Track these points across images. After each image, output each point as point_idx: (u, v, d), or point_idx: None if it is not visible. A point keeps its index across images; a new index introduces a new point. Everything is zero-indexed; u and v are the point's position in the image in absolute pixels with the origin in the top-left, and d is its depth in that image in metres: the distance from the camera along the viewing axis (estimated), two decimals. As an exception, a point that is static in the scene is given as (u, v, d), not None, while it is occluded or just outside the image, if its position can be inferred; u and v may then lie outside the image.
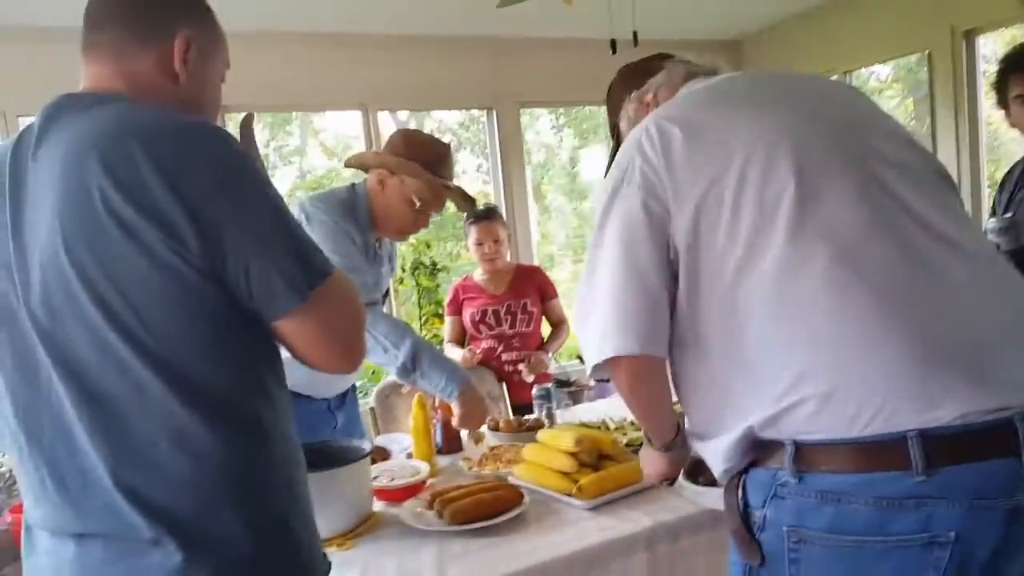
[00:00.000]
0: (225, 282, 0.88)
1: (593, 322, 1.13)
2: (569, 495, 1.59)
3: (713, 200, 1.07)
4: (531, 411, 2.46)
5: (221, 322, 0.89)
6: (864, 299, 1.00)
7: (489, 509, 1.53)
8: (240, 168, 0.90)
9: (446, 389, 1.82)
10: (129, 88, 0.96)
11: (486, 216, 2.94)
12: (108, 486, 0.88)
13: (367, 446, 1.61)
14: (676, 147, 1.11)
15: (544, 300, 3.01)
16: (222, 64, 1.08)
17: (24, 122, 2.84)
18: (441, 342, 3.20)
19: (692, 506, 1.54)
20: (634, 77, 1.41)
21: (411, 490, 1.70)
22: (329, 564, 1.03)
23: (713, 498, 1.45)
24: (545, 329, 3.07)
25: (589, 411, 2.30)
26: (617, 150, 1.47)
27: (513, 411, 2.75)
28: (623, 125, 1.43)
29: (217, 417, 0.89)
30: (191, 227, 0.84)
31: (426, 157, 1.91)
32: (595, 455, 1.68)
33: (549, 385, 2.22)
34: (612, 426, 2.02)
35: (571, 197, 6.12)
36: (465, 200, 2.00)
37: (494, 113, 3.75)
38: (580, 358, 3.41)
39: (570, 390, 2.28)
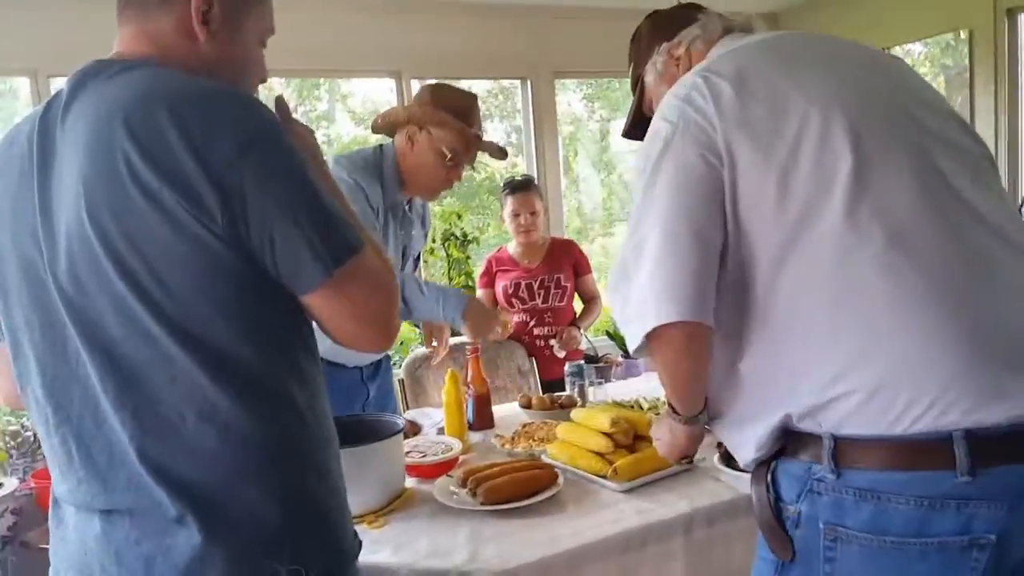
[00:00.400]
0: (251, 253, 0.85)
1: (640, 287, 1.05)
2: (604, 477, 1.56)
3: (763, 163, 1.01)
4: (561, 388, 2.43)
5: (248, 294, 0.87)
6: (920, 289, 0.94)
7: (523, 489, 1.51)
8: (265, 136, 0.86)
9: (447, 315, 1.80)
10: (156, 51, 0.94)
11: (523, 187, 2.89)
12: (133, 460, 0.86)
13: (400, 421, 1.59)
14: (727, 102, 1.04)
15: (578, 275, 2.96)
16: (259, 27, 1.02)
17: (55, 83, 2.84)
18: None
19: (728, 490, 1.51)
20: (665, 27, 1.32)
21: (443, 467, 1.68)
22: (360, 543, 1.01)
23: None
24: (577, 305, 3.02)
25: (621, 389, 2.26)
26: (640, 104, 1.40)
27: (543, 387, 2.72)
28: (649, 78, 1.35)
29: (246, 392, 0.87)
30: (214, 195, 0.81)
31: (455, 106, 1.88)
32: (631, 436, 1.65)
33: (581, 362, 2.18)
34: (646, 405, 1.98)
35: (599, 169, 6.03)
36: (498, 149, 1.96)
37: (528, 83, 3.68)
38: (609, 334, 3.36)
39: (598, 366, 2.24)
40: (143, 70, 0.89)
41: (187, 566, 0.85)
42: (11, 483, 2.43)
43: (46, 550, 2.25)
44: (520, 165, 4.03)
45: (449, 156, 1.88)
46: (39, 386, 0.93)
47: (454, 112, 1.87)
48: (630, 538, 1.39)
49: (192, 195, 0.81)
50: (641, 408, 2.00)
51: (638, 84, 1.40)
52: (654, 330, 1.03)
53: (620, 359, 3.25)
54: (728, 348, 1.08)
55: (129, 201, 0.81)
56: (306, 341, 0.96)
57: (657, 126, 1.11)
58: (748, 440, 1.08)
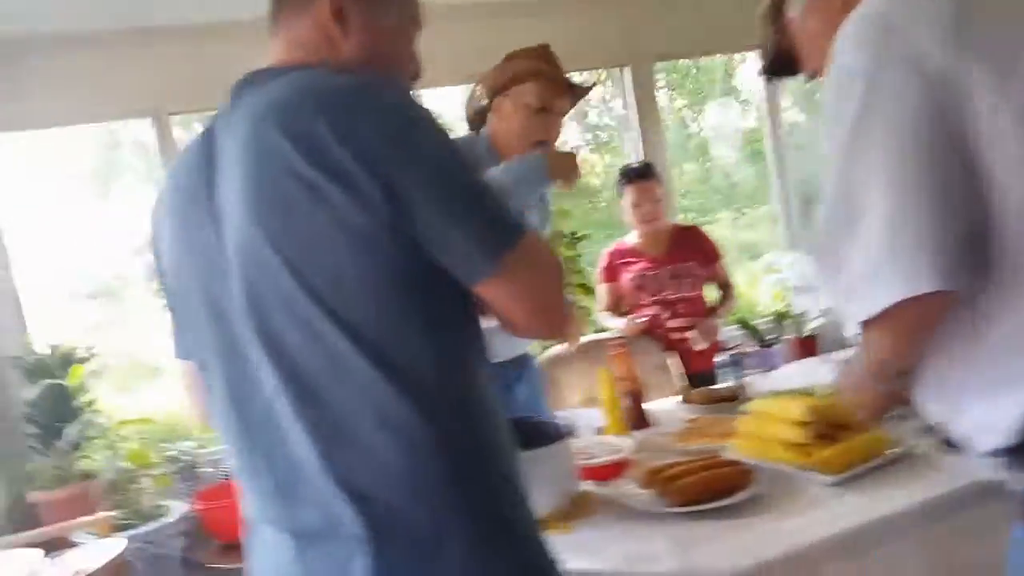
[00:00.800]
0: (417, 245, 0.81)
1: (866, 254, 0.89)
2: (812, 470, 1.39)
3: (1000, 90, 0.85)
4: (708, 381, 2.27)
5: (419, 290, 0.82)
6: None
7: (717, 488, 1.37)
8: (416, 124, 0.83)
9: (535, 175, 1.67)
10: (304, 56, 0.95)
11: (642, 174, 2.75)
12: (316, 472, 0.82)
13: (564, 423, 1.47)
14: (943, 16, 0.88)
15: (708, 262, 2.79)
16: (403, 21, 1.01)
17: (176, 120, 2.88)
18: (589, 314, 3.03)
19: (956, 478, 1.31)
20: None
21: (616, 468, 1.55)
22: (554, 560, 0.91)
23: (978, 468, 1.21)
24: (707, 294, 2.84)
25: (783, 380, 2.06)
26: (779, 36, 1.21)
27: (689, 382, 2.55)
28: (795, 9, 1.15)
29: (423, 396, 0.81)
30: (372, 184, 0.78)
31: (527, 56, 1.80)
32: (829, 424, 1.47)
33: (737, 351, 2.02)
34: (821, 394, 1.79)
35: (686, 157, 5.80)
36: (583, 88, 1.87)
37: (627, 71, 3.53)
38: (743, 323, 3.15)
39: (733, 356, 2.09)
40: (293, 73, 0.89)
41: None
42: (180, 507, 2.45)
43: (216, 570, 2.25)
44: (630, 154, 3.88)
45: (537, 103, 1.77)
46: (225, 400, 0.90)
47: (527, 57, 1.80)
48: (857, 537, 1.22)
49: (351, 187, 0.78)
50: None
51: (775, 16, 1.21)
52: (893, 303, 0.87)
53: (755, 347, 3.04)
54: (965, 314, 0.91)
55: (291, 200, 0.79)
56: (478, 339, 0.90)
57: (848, 61, 0.93)
58: (996, 421, 0.91)
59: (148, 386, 3.59)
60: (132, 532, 2.28)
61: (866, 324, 0.92)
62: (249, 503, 0.92)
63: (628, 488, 1.46)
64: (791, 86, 3.92)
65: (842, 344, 2.87)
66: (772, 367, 2.52)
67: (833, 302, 0.98)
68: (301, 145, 0.78)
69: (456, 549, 0.81)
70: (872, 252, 0.88)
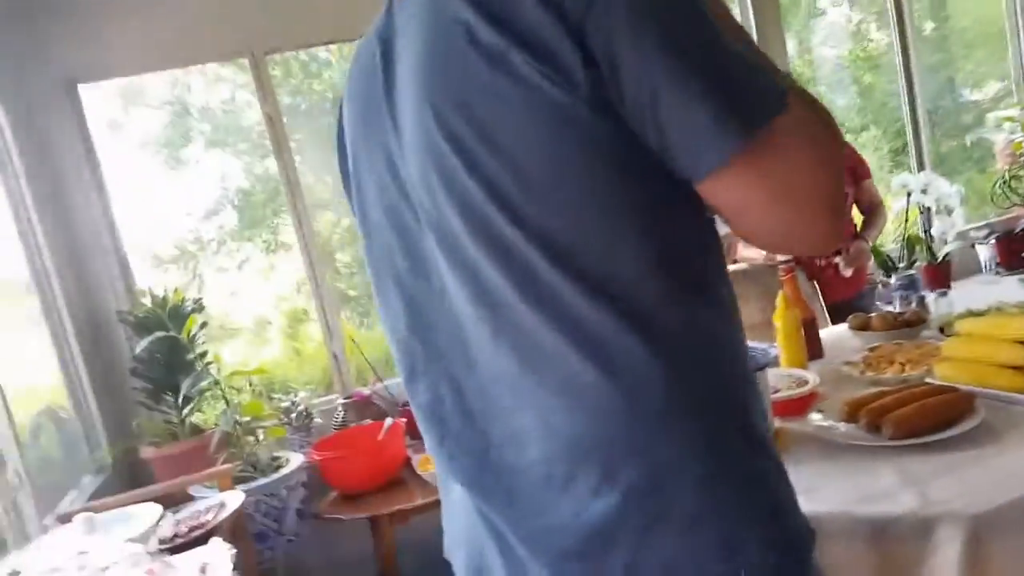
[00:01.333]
0: (628, 125, 0.62)
1: None
2: (1039, 395, 1.24)
3: None
4: (850, 310, 2.09)
5: (632, 182, 0.64)
6: None
7: (938, 418, 1.22)
8: None
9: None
10: None
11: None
12: (508, 406, 0.68)
13: (763, 353, 1.33)
14: None
15: (855, 181, 2.57)
16: None
17: (272, 61, 2.76)
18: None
19: None
20: None
21: (806, 401, 1.41)
22: (813, 531, 0.71)
23: None
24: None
25: (959, 302, 1.88)
26: None
27: (829, 313, 2.38)
28: None
29: (638, 320, 0.64)
30: (573, 50, 0.60)
31: None
32: (1054, 345, 1.31)
33: (912, 273, 1.84)
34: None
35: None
36: None
37: None
38: (872, 252, 2.93)
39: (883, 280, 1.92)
40: None
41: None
42: (297, 458, 2.42)
43: (334, 520, 2.21)
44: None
45: None
46: (404, 326, 0.77)
47: None
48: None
49: (546, 54, 0.61)
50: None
51: None
52: None
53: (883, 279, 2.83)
54: None
55: (472, 76, 0.63)
56: (713, 248, 0.71)
57: None
58: None
59: (238, 345, 3.59)
60: (250, 485, 2.26)
61: None
62: (433, 451, 0.79)
63: (823, 422, 1.33)
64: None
65: (974, 270, 2.66)
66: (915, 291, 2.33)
67: None
68: (489, 10, 0.63)
69: (698, 515, 0.65)
70: None
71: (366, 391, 2.73)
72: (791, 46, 3.48)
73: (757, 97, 0.61)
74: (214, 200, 3.43)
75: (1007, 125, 3.05)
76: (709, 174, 0.62)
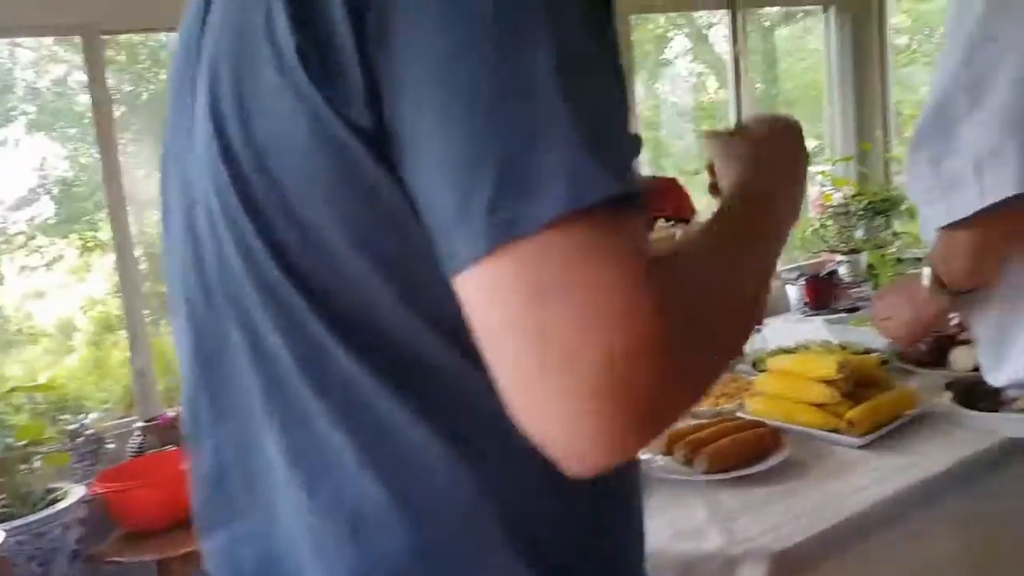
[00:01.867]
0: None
1: (980, 142, 0.83)
2: (836, 432, 1.29)
3: None
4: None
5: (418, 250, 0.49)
6: None
7: (750, 453, 1.24)
8: None
9: None
10: None
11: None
12: (279, 481, 0.57)
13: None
14: None
15: (683, 219, 2.66)
16: None
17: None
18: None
19: (982, 435, 1.26)
20: None
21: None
22: None
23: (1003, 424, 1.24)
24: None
25: (778, 335, 1.96)
26: None
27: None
28: None
29: (417, 391, 0.52)
30: (359, 68, 0.46)
31: None
32: (853, 383, 1.38)
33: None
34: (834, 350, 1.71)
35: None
36: None
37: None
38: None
39: None
40: None
41: None
42: (78, 490, 2.10)
43: (114, 563, 1.93)
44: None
45: None
46: (190, 369, 0.65)
47: None
48: (905, 501, 1.13)
49: (334, 69, 0.47)
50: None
51: None
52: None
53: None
54: None
55: (259, 78, 0.50)
56: None
57: None
58: None
59: (25, 353, 3.16)
60: (12, 524, 1.95)
61: (953, 225, 0.89)
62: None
63: (644, 455, 1.32)
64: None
65: (784, 309, 2.83)
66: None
67: (922, 197, 0.93)
68: (295, 6, 0.48)
69: None
70: (994, 138, 0.82)
71: (172, 413, 2.46)
72: (640, 91, 3.65)
73: (553, 172, 0.42)
74: (28, 189, 3.02)
75: (819, 178, 3.33)
76: (457, 273, 0.45)
